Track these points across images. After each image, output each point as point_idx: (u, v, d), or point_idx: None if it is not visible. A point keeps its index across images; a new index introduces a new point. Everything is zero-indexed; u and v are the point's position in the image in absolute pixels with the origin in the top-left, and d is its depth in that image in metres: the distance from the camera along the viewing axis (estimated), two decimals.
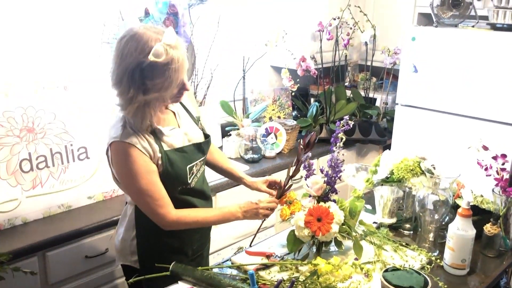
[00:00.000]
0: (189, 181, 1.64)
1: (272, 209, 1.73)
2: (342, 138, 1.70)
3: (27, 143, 2.03)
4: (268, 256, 1.65)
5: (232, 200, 2.13)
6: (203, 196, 1.74)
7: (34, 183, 2.06)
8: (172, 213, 1.55)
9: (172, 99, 1.53)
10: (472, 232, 1.60)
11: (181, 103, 1.71)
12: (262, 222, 1.84)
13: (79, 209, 2.17)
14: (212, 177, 2.31)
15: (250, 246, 1.78)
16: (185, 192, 1.65)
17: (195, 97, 2.76)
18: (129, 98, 1.43)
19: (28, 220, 2.05)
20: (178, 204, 1.60)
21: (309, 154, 1.74)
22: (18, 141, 2.01)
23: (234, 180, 1.96)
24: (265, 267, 1.60)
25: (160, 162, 1.54)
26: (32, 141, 2.05)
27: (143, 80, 1.41)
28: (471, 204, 1.62)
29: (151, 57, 1.37)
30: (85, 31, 2.41)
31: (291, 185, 1.79)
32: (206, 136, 1.75)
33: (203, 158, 1.71)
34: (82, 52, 2.43)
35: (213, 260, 2.36)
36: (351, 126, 1.73)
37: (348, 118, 1.71)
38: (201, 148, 1.69)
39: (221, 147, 2.93)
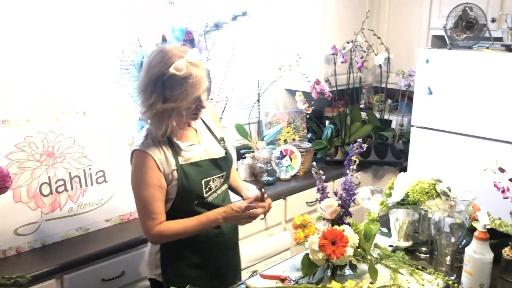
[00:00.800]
0: (205, 195, 1.72)
1: (254, 217, 1.71)
2: (355, 161, 1.71)
3: (47, 167, 2.08)
4: (282, 280, 1.65)
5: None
6: None
7: (53, 207, 2.10)
8: (156, 227, 1.65)
9: (189, 114, 1.66)
10: (490, 255, 1.57)
11: (204, 123, 1.83)
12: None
13: (97, 232, 2.20)
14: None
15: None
16: (201, 205, 1.73)
17: (220, 121, 2.80)
18: (149, 104, 1.58)
19: (47, 242, 2.08)
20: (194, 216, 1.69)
21: (323, 177, 1.75)
22: (39, 165, 2.06)
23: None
24: None
25: (176, 175, 1.66)
26: (52, 165, 2.10)
27: (163, 90, 1.57)
28: (488, 227, 1.60)
29: (171, 70, 1.54)
30: (104, 58, 2.48)
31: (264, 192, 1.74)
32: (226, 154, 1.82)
33: (221, 175, 1.78)
34: (101, 79, 2.49)
35: None
36: (365, 149, 1.73)
37: (361, 141, 1.72)
38: (218, 163, 1.77)
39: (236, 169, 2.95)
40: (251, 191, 1.96)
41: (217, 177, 1.77)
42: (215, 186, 1.76)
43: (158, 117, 1.60)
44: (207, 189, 1.73)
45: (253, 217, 1.71)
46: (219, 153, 1.79)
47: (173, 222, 1.67)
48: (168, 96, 1.57)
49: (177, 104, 1.58)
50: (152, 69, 1.57)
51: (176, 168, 1.66)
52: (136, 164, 1.65)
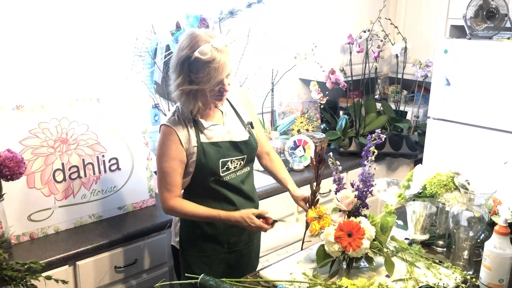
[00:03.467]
0: (221, 174, 1.79)
1: (263, 230, 1.79)
2: (373, 152, 1.67)
3: (60, 154, 2.08)
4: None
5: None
6: (240, 192, 1.86)
7: (66, 193, 2.10)
8: (171, 200, 1.76)
9: (213, 96, 1.73)
10: (510, 250, 1.54)
11: (232, 106, 1.90)
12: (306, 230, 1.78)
13: (110, 220, 2.20)
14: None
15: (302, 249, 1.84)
16: (217, 183, 1.81)
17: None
18: (177, 84, 1.69)
19: (60, 229, 2.08)
20: (210, 192, 1.81)
21: (339, 168, 1.72)
22: (52, 152, 2.06)
23: (286, 189, 2.06)
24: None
25: (195, 151, 1.75)
26: (65, 151, 2.09)
27: (188, 72, 1.66)
28: (509, 221, 1.56)
29: (196, 53, 1.61)
30: (118, 45, 2.46)
31: (318, 199, 1.77)
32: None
33: (241, 157, 1.83)
34: (115, 65, 2.48)
35: None
36: (383, 140, 1.70)
37: (379, 132, 1.69)
38: (238, 146, 1.82)
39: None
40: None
41: (236, 159, 1.82)
42: (234, 167, 1.83)
43: (185, 96, 1.70)
44: (224, 168, 1.79)
45: (262, 230, 1.79)
46: (241, 136, 1.85)
47: (187, 203, 1.78)
48: (193, 78, 1.66)
49: (200, 86, 1.66)
50: (181, 52, 1.66)
51: (196, 145, 1.75)
52: (162, 138, 1.76)
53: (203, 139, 1.77)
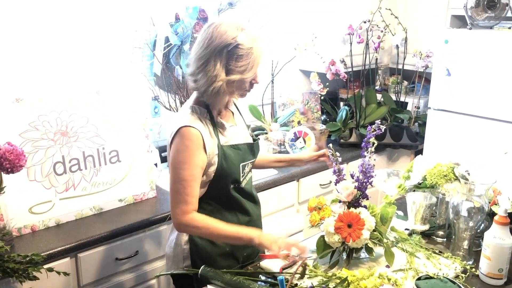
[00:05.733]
0: (241, 180, 1.70)
1: (287, 250, 1.55)
2: (373, 143, 1.67)
3: (60, 146, 2.08)
4: (285, 257, 1.62)
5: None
6: (252, 199, 1.78)
7: (67, 186, 2.10)
8: (189, 214, 1.57)
9: (242, 90, 1.62)
10: (510, 240, 1.54)
11: (237, 107, 1.82)
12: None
13: (110, 212, 2.21)
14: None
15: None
16: (237, 191, 1.70)
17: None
18: (213, 76, 1.54)
19: (61, 222, 2.09)
20: (226, 202, 1.68)
21: (339, 159, 1.72)
22: (52, 144, 2.06)
23: (288, 164, 2.01)
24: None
25: (216, 155, 1.61)
26: (66, 144, 2.09)
27: (227, 60, 1.54)
28: (508, 211, 1.56)
29: (239, 39, 1.52)
30: (117, 37, 2.46)
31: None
32: (254, 141, 1.81)
33: (253, 161, 1.77)
34: (114, 58, 2.47)
35: None
36: (383, 131, 1.70)
37: (379, 122, 1.68)
38: (253, 149, 1.76)
39: None
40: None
41: (250, 162, 1.75)
42: (247, 172, 1.74)
43: (219, 90, 1.55)
44: (243, 173, 1.70)
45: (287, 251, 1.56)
46: (249, 139, 1.77)
47: (209, 218, 1.60)
48: (232, 67, 1.54)
49: (242, 76, 1.55)
50: (215, 40, 1.53)
51: (217, 148, 1.62)
52: (184, 141, 1.56)
53: (222, 142, 1.64)
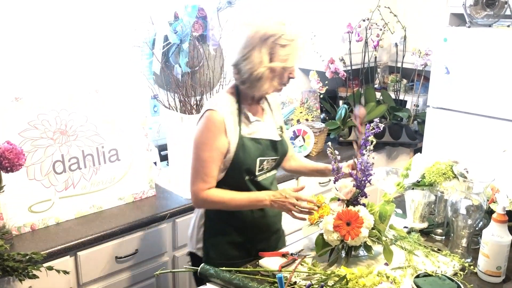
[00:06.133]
0: (256, 174, 1.74)
1: (299, 208, 1.67)
2: (372, 141, 1.67)
3: (60, 145, 2.08)
4: (284, 255, 1.66)
5: None
6: None
7: (66, 184, 2.10)
8: (205, 191, 1.67)
9: (280, 83, 1.70)
10: (508, 238, 1.55)
11: (269, 105, 1.86)
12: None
13: (110, 210, 2.21)
14: None
15: None
16: (252, 183, 1.75)
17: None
18: (257, 62, 1.62)
19: (60, 220, 2.09)
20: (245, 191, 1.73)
21: (338, 157, 1.72)
22: (52, 143, 2.06)
23: (323, 175, 2.01)
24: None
25: (236, 144, 1.68)
26: (65, 143, 2.10)
27: (272, 49, 1.63)
28: (506, 209, 1.57)
29: (285, 30, 1.63)
30: (116, 36, 2.46)
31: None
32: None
33: (275, 158, 1.80)
34: (113, 56, 2.47)
35: None
36: (381, 129, 1.70)
37: (378, 121, 1.69)
38: (276, 146, 1.79)
39: None
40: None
41: (271, 159, 1.78)
42: (267, 168, 1.78)
43: (262, 75, 1.63)
44: (260, 168, 1.74)
45: (298, 209, 1.67)
46: (276, 136, 1.81)
47: (221, 190, 1.70)
48: (275, 55, 1.63)
49: (284, 64, 1.64)
50: (261, 31, 1.63)
51: (237, 138, 1.68)
52: (206, 123, 1.66)
53: (244, 133, 1.70)
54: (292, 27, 1.65)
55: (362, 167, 1.66)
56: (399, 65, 3.36)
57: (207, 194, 1.67)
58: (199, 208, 1.79)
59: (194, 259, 1.85)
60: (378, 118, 1.76)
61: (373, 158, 1.67)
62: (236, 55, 1.68)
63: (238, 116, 1.70)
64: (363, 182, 1.66)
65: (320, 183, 2.91)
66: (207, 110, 1.68)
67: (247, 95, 1.73)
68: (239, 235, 1.78)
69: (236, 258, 1.74)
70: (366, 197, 1.69)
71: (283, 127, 1.89)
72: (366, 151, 1.67)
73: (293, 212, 1.67)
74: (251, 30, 1.65)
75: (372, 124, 1.68)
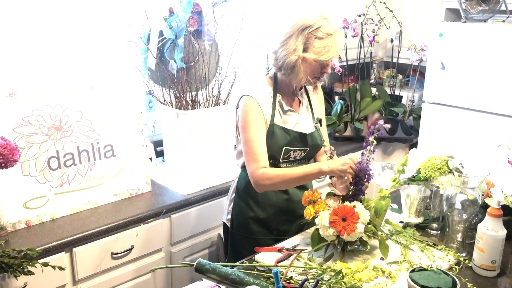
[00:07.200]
0: (280, 160, 1.83)
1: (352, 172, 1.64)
2: (373, 142, 1.66)
3: (55, 141, 2.07)
4: (280, 250, 1.66)
5: None
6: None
7: (61, 180, 2.10)
8: (260, 169, 1.72)
9: (313, 77, 1.75)
10: (503, 232, 1.55)
11: (309, 99, 1.93)
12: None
13: (105, 206, 2.20)
14: None
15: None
16: (275, 167, 1.82)
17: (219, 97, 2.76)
18: (292, 50, 1.70)
19: (56, 216, 2.09)
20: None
21: (334, 152, 1.72)
22: (47, 139, 2.05)
23: None
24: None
25: (266, 130, 1.77)
26: (60, 139, 2.09)
27: (307, 39, 1.70)
28: (501, 204, 1.57)
29: (322, 22, 1.69)
30: (111, 31, 2.44)
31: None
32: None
33: (304, 150, 1.87)
34: (108, 52, 2.46)
35: None
36: (387, 130, 1.70)
37: (383, 122, 1.65)
38: (305, 138, 1.85)
39: None
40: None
41: (299, 149, 1.85)
42: (294, 157, 1.87)
43: (295, 64, 1.70)
44: (286, 156, 1.83)
45: (351, 171, 1.64)
46: (309, 129, 1.87)
47: (275, 168, 1.78)
48: (309, 46, 1.70)
49: (317, 57, 1.69)
50: (300, 21, 1.71)
51: (269, 124, 1.77)
52: (245, 108, 1.76)
53: (276, 121, 1.79)
54: (331, 23, 1.71)
55: (362, 168, 1.64)
56: (394, 60, 3.36)
57: (263, 171, 1.71)
58: (261, 190, 1.79)
59: (225, 229, 2.00)
60: (382, 120, 1.68)
61: (373, 159, 1.67)
62: (277, 44, 1.77)
63: (272, 104, 1.78)
64: (362, 181, 1.65)
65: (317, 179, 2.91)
66: (242, 96, 1.78)
67: (284, 85, 1.82)
68: (262, 212, 1.88)
69: (258, 234, 1.88)
70: (363, 195, 1.69)
71: (322, 121, 1.95)
72: (366, 151, 1.65)
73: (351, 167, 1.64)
74: (296, 19, 1.73)
75: (376, 126, 1.64)
